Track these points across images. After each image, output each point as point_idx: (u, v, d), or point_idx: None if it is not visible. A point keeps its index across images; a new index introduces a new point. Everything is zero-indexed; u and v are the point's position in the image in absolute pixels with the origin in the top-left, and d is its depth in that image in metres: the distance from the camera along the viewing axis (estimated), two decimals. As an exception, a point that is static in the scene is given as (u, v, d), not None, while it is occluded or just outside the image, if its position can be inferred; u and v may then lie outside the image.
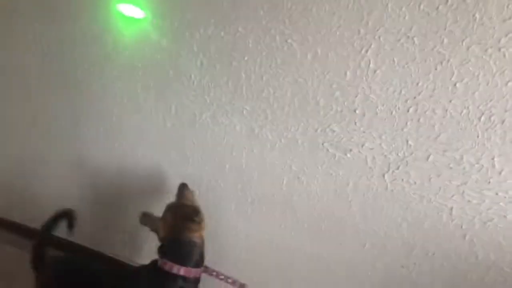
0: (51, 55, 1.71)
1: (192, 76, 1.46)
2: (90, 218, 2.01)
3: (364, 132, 1.31)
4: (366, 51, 1.22)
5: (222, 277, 1.38)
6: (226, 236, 1.71)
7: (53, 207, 1.50)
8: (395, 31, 1.17)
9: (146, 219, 1.46)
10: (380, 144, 1.31)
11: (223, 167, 1.57)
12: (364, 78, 1.25)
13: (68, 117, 1.81)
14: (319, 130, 1.36)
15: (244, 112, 1.44)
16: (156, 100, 1.57)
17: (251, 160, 1.51)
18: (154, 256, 1.34)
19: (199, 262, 1.32)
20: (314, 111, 1.34)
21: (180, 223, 1.32)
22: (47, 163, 2.00)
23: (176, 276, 1.26)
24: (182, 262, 1.27)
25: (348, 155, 1.36)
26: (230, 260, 1.74)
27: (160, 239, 1.37)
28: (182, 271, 1.26)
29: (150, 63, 1.52)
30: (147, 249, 1.96)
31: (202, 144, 1.57)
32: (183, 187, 1.48)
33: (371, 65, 1.23)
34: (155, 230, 1.41)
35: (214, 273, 1.37)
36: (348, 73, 1.26)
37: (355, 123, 1.31)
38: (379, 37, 1.19)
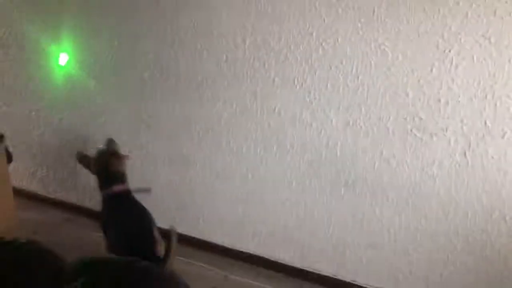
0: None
1: (296, 80, 1.76)
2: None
3: (447, 118, 1.59)
4: (449, 50, 1.51)
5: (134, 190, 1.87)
6: (320, 214, 1.97)
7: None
8: (474, 33, 1.46)
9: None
10: (462, 127, 1.58)
11: (320, 156, 1.86)
12: (447, 72, 1.54)
13: (180, 119, 2.12)
14: (408, 119, 1.64)
15: (340, 108, 1.74)
16: (262, 104, 1.87)
17: (345, 148, 1.79)
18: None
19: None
20: (403, 102, 1.63)
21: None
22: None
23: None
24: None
25: (434, 138, 1.63)
26: (321, 237, 2.00)
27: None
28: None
29: (258, 72, 1.83)
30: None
31: (301, 138, 1.86)
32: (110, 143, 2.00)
33: (453, 62, 1.52)
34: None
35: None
36: (433, 69, 1.55)
37: (440, 110, 1.59)
38: (460, 39, 1.48)
